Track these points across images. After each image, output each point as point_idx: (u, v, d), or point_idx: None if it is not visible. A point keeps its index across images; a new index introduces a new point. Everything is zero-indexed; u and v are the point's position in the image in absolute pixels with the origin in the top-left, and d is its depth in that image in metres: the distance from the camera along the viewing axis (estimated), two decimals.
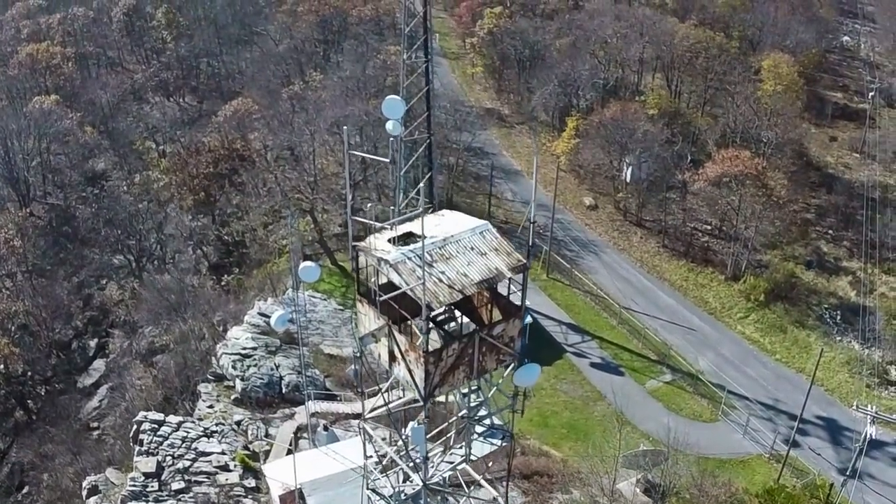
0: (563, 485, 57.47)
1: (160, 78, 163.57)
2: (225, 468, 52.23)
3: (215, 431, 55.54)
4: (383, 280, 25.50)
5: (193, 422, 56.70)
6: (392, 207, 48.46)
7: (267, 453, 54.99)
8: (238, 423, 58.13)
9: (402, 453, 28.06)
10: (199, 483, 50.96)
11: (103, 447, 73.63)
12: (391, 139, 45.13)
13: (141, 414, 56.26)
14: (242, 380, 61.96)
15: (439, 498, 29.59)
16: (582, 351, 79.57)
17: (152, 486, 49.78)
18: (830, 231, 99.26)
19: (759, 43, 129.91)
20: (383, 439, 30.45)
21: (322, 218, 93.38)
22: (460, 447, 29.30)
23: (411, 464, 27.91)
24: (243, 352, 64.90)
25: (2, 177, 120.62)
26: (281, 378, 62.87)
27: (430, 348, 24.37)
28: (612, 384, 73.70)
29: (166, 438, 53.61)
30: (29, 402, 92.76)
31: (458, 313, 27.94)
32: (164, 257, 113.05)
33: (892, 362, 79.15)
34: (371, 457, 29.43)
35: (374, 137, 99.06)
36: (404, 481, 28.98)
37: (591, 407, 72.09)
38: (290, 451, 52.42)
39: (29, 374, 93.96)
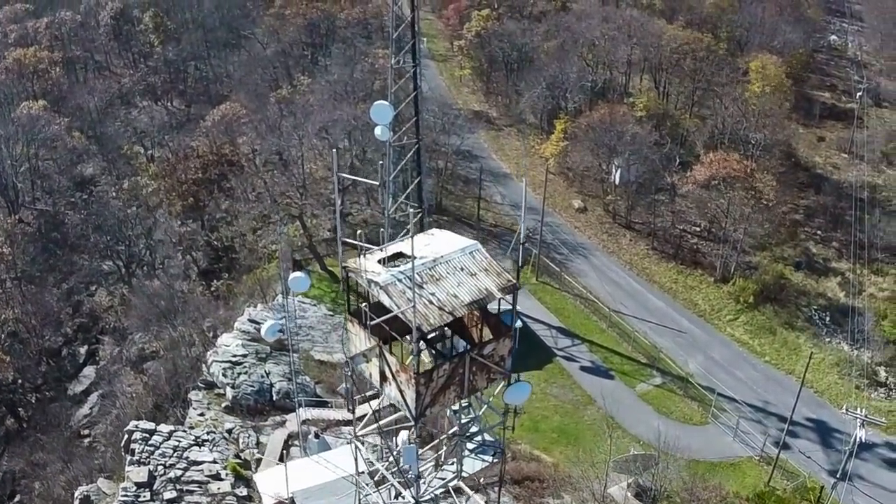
0: (554, 489, 57.56)
1: (148, 82, 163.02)
2: (217, 477, 52.13)
3: (206, 440, 55.44)
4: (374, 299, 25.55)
5: (185, 430, 56.55)
6: (381, 213, 48.54)
7: (258, 462, 54.98)
8: (229, 432, 58.06)
9: (392, 469, 28.16)
10: (191, 492, 50.82)
11: (94, 455, 73.35)
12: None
13: (132, 423, 56.01)
14: (233, 387, 61.80)
15: None
16: (572, 355, 79.59)
17: (144, 496, 49.65)
18: (819, 232, 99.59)
19: (747, 44, 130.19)
20: (375, 447, 30.54)
21: (311, 223, 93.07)
22: (452, 463, 29.40)
23: (402, 480, 28.01)
24: (234, 359, 64.66)
25: None
26: (272, 385, 62.78)
27: (421, 369, 24.47)
28: (602, 388, 73.91)
29: (157, 447, 53.48)
30: (19, 409, 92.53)
31: (448, 331, 28.02)
32: (154, 263, 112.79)
33: (882, 363, 79.50)
34: (363, 473, 29.51)
35: (363, 142, 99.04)
36: (396, 497, 29.07)
37: (582, 411, 72.15)
38: (281, 459, 52.40)
39: (19, 381, 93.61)
